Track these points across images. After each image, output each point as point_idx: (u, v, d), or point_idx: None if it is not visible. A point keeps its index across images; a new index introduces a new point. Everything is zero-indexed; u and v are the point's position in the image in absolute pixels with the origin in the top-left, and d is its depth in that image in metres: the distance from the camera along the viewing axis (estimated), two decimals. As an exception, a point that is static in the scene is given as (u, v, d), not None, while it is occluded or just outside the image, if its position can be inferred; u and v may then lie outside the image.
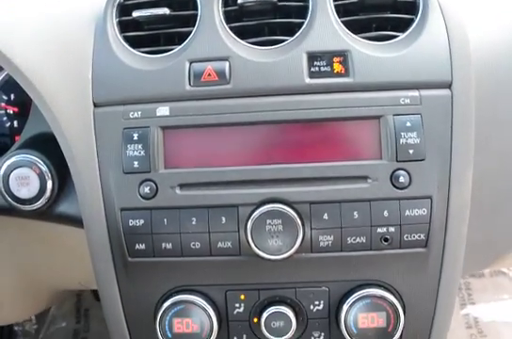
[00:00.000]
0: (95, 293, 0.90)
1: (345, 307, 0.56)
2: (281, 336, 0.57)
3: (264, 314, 0.57)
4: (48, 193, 0.63)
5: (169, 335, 0.57)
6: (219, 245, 0.56)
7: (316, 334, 0.59)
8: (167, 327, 0.57)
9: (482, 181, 0.61)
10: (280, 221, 0.54)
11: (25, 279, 0.83)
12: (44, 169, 0.64)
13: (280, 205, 0.54)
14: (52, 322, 1.68)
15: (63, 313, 1.70)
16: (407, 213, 0.55)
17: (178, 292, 0.58)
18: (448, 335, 1.50)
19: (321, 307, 0.58)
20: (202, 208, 0.56)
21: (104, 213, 0.58)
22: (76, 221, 0.63)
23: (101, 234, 0.58)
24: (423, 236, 0.56)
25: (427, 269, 0.57)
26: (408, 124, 0.56)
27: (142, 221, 0.57)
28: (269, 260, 0.55)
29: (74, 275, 0.81)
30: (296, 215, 0.54)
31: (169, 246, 0.57)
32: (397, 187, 0.55)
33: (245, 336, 0.59)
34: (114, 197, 0.57)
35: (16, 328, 1.67)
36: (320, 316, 0.58)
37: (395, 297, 0.57)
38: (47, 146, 0.65)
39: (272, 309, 0.57)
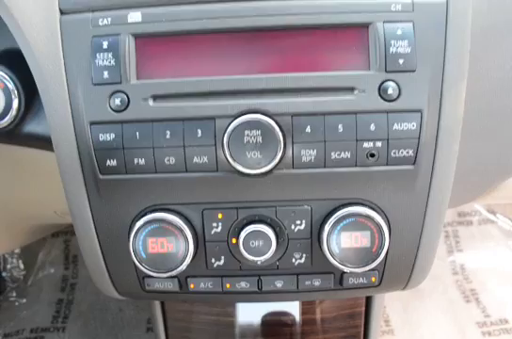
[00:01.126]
0: None
1: (328, 226, 0.53)
2: (261, 256, 0.54)
3: (243, 234, 0.54)
4: (14, 111, 0.60)
5: (144, 256, 0.55)
6: (195, 160, 0.53)
7: (297, 255, 0.57)
8: (141, 247, 0.55)
9: (474, 102, 0.57)
10: (258, 132, 0.51)
11: (2, 212, 0.80)
12: (11, 86, 0.60)
13: (260, 116, 0.51)
14: (40, 269, 1.68)
15: (51, 259, 1.70)
16: (395, 127, 0.52)
17: (152, 211, 0.55)
18: (434, 281, 1.52)
19: (302, 227, 0.56)
20: (177, 121, 0.52)
21: (72, 128, 0.54)
22: (46, 141, 0.59)
23: (70, 151, 0.55)
24: (411, 153, 0.53)
25: (415, 189, 0.55)
26: (399, 32, 0.52)
27: (113, 136, 0.53)
28: (248, 175, 0.52)
29: (49, 203, 0.78)
30: (276, 126, 0.51)
31: (142, 161, 0.54)
32: (385, 100, 0.52)
33: (223, 257, 0.57)
34: (83, 110, 0.54)
35: (4, 274, 1.67)
36: (301, 237, 0.56)
37: (381, 216, 0.54)
38: (14, 62, 0.60)
39: (251, 228, 0.54)
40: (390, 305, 1.45)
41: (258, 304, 0.76)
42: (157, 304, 0.75)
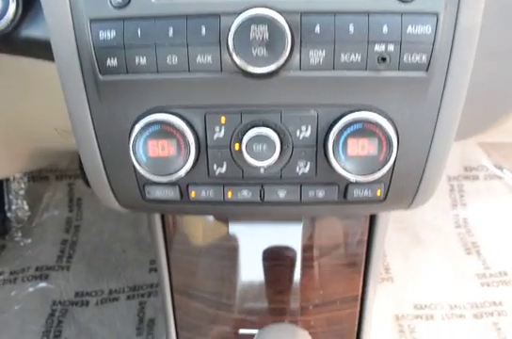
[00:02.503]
0: (87, 181, 0.87)
1: (335, 132, 0.52)
2: (264, 160, 0.53)
3: (246, 137, 0.53)
4: (11, 15, 0.58)
5: (144, 159, 0.54)
6: (198, 59, 0.51)
7: (302, 164, 0.55)
8: (141, 150, 0.53)
9: (492, 23, 0.54)
10: (265, 28, 0.49)
11: (3, 130, 0.79)
12: None
13: (268, 10, 0.49)
14: (45, 210, 1.70)
15: (55, 202, 1.71)
16: (408, 30, 0.50)
17: (153, 113, 0.54)
18: (436, 233, 1.52)
19: (308, 134, 0.54)
20: (180, 18, 0.50)
21: (72, 26, 0.52)
22: (45, 47, 0.57)
23: (69, 52, 0.53)
24: (424, 58, 0.51)
25: (426, 98, 0.53)
26: None
27: (114, 33, 0.51)
28: (252, 75, 0.50)
29: (49, 120, 0.77)
30: (284, 22, 0.49)
31: (144, 60, 0.52)
32: (400, 0, 0.49)
33: (225, 164, 0.56)
34: (82, 7, 0.51)
35: (9, 214, 1.69)
36: (306, 144, 0.54)
37: (389, 124, 0.52)
38: None
39: (255, 131, 0.53)
40: (390, 254, 1.45)
41: (260, 229, 0.75)
42: (158, 223, 0.75)
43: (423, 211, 1.54)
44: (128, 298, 1.42)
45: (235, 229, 0.75)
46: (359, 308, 0.79)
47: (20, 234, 1.65)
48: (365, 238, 0.76)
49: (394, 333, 1.27)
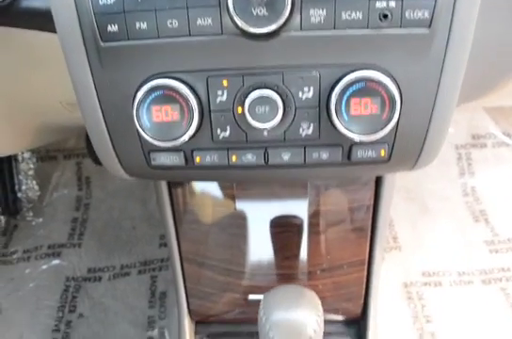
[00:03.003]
0: (95, 159, 0.87)
1: (337, 91, 0.51)
2: (267, 122, 0.53)
3: (249, 100, 0.53)
4: None
5: (148, 125, 0.54)
6: (199, 22, 0.51)
7: (305, 125, 0.55)
8: (145, 115, 0.53)
9: None
10: None
11: (8, 105, 0.79)
12: None
13: None
14: (54, 190, 1.72)
15: (64, 181, 1.73)
16: None
17: (156, 79, 0.54)
18: (444, 202, 1.52)
19: (310, 94, 0.54)
20: None
21: None
22: (45, 17, 0.57)
23: (70, 20, 0.53)
24: (426, 14, 0.50)
25: (429, 55, 0.52)
26: None
27: None
28: (253, 36, 0.50)
29: (54, 93, 0.77)
30: None
31: (144, 25, 0.51)
32: None
33: (228, 128, 0.56)
34: None
35: (20, 195, 1.71)
36: (309, 105, 0.54)
37: (392, 82, 0.52)
38: None
39: (257, 93, 0.53)
40: (398, 224, 1.46)
41: (267, 194, 0.75)
42: (165, 194, 0.76)
43: (430, 180, 1.54)
44: (139, 272, 1.45)
45: (243, 198, 0.75)
46: (366, 272, 0.80)
47: (31, 214, 1.68)
48: (371, 203, 0.76)
49: (403, 300, 1.29)
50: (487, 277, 1.34)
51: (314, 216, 0.77)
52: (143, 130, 0.54)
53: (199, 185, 0.77)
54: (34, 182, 1.71)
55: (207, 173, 0.61)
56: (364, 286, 0.81)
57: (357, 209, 0.77)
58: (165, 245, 1.49)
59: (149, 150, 0.58)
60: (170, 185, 0.76)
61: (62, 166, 1.75)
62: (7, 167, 1.70)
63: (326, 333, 0.84)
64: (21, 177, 1.73)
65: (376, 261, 0.79)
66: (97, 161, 0.98)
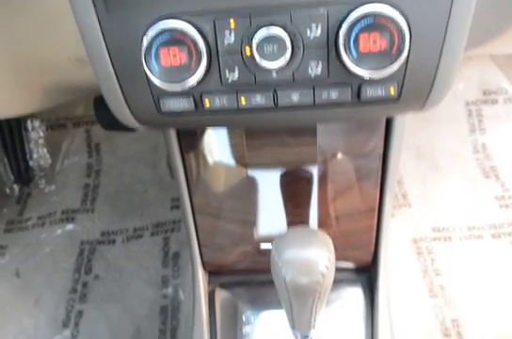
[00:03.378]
0: (104, 124, 0.86)
1: (346, 27, 0.51)
2: (275, 60, 0.53)
3: (256, 39, 0.52)
4: None
5: (157, 68, 0.53)
6: None
7: (314, 65, 0.55)
8: (153, 59, 0.53)
9: None
10: None
11: (15, 63, 0.79)
12: None
13: None
14: (65, 157, 1.73)
15: (74, 148, 1.74)
16: None
17: (162, 21, 0.53)
18: (454, 159, 1.51)
19: (319, 32, 0.53)
20: None
21: None
22: None
23: None
24: None
25: None
26: None
27: None
28: None
29: (61, 49, 0.77)
30: None
31: None
32: None
33: (237, 70, 0.55)
34: None
35: (31, 163, 1.73)
36: (318, 44, 0.53)
37: (401, 16, 0.51)
38: None
39: (264, 32, 0.52)
40: (408, 181, 1.46)
41: (276, 144, 0.75)
42: (175, 145, 0.76)
43: (440, 138, 1.53)
44: (152, 234, 1.47)
45: (253, 148, 0.75)
46: (376, 220, 0.80)
47: (43, 182, 1.70)
48: (381, 151, 0.76)
49: (413, 255, 1.30)
50: (496, 231, 1.34)
51: (324, 164, 0.77)
52: (152, 74, 0.54)
53: (208, 137, 0.77)
54: (45, 150, 1.73)
55: (217, 118, 0.61)
56: (375, 234, 0.82)
57: (366, 157, 0.77)
58: (176, 207, 1.51)
59: (158, 94, 0.58)
60: (180, 138, 0.77)
61: (72, 134, 1.76)
62: (17, 136, 1.72)
63: (336, 281, 0.85)
64: (31, 146, 1.75)
65: (386, 208, 0.80)
66: (106, 126, 0.99)
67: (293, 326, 0.66)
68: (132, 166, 1.65)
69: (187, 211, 0.82)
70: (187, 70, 0.53)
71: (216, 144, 0.78)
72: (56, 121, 1.75)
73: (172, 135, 0.74)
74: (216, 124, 0.68)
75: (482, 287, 1.24)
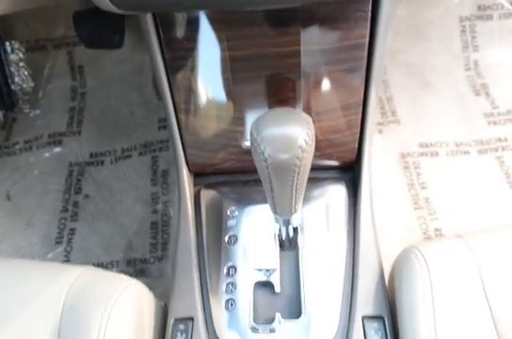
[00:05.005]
0: (87, 42, 0.81)
1: None
2: None
3: None
4: None
5: None
6: None
7: None
8: None
9: None
10: None
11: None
12: None
13: None
14: (48, 81, 1.69)
15: (57, 71, 1.69)
16: None
17: None
18: (445, 76, 1.48)
19: None
20: None
21: None
22: None
23: None
24: None
25: None
26: None
27: None
28: None
29: None
30: None
31: None
32: None
33: None
34: None
35: (13, 87, 1.68)
36: None
37: None
38: None
39: None
40: (398, 99, 1.44)
41: (258, 35, 0.72)
42: (153, 33, 0.72)
43: (432, 55, 1.49)
44: (140, 154, 1.47)
45: (234, 41, 0.72)
46: (361, 115, 0.79)
47: (28, 106, 1.66)
48: (366, 41, 0.73)
49: (399, 169, 1.31)
50: (483, 147, 1.35)
51: (308, 56, 0.74)
52: None
53: (188, 27, 0.74)
54: (26, 73, 1.68)
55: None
56: (359, 130, 0.81)
57: (351, 48, 0.74)
58: (164, 127, 1.50)
59: None
60: (159, 32, 0.73)
61: (53, 56, 1.70)
62: (-3, 59, 1.66)
63: (320, 179, 0.86)
64: (12, 69, 1.69)
65: (371, 103, 0.79)
66: (88, 43, 0.94)
67: (274, 210, 0.66)
68: (117, 88, 1.61)
69: (169, 108, 0.80)
70: None
71: (196, 36, 0.74)
72: (36, 43, 1.69)
73: (149, 22, 0.71)
74: (193, 6, 0.65)
75: (466, 200, 1.27)
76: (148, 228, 1.33)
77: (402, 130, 1.38)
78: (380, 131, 1.36)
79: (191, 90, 0.79)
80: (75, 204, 1.42)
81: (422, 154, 1.33)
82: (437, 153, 1.33)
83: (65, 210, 1.42)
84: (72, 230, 1.38)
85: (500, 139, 1.35)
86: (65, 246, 1.37)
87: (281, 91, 0.77)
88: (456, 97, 1.43)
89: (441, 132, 1.37)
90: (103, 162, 1.49)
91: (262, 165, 0.57)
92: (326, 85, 0.77)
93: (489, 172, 1.30)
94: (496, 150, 1.34)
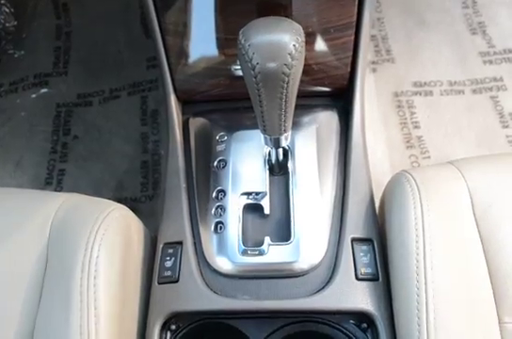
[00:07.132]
0: None
1: None
2: None
3: None
4: None
5: None
6: None
7: None
8: None
9: None
10: None
11: None
12: None
13: None
14: (31, 20, 1.62)
15: (41, 10, 1.63)
16: None
17: None
18: (442, 14, 1.43)
19: None
20: None
21: None
22: None
23: None
24: None
25: None
26: None
27: None
28: None
29: None
30: None
31: None
32: None
33: None
34: None
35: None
36: None
37: None
38: None
39: None
40: (393, 37, 1.41)
41: None
42: None
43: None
44: (129, 94, 1.44)
45: None
46: (354, 37, 0.77)
47: (12, 47, 1.61)
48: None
49: (392, 108, 1.30)
50: (477, 86, 1.33)
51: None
52: None
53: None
54: (7, 10, 1.61)
55: None
56: (352, 54, 0.79)
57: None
58: (153, 66, 1.46)
59: None
60: None
61: (36, -7, 1.63)
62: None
63: (312, 106, 0.84)
64: (-7, 6, 1.62)
65: (364, 24, 0.76)
66: None
67: (263, 129, 0.65)
68: (103, 26, 1.56)
69: (156, 31, 0.77)
70: None
71: None
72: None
73: None
74: None
75: (459, 140, 1.26)
76: (138, 167, 1.32)
77: (396, 69, 1.35)
78: (374, 70, 1.33)
79: (179, 10, 0.75)
80: (64, 145, 1.41)
81: (416, 93, 1.31)
82: (431, 93, 1.31)
83: (54, 151, 1.40)
84: (62, 171, 1.37)
85: (495, 79, 1.33)
86: (55, 186, 1.36)
87: (272, 9, 0.74)
88: (452, 35, 1.40)
89: (436, 71, 1.35)
90: (91, 103, 1.46)
91: (249, 74, 0.55)
92: (317, 4, 0.74)
93: (483, 112, 1.29)
94: (491, 89, 1.32)
